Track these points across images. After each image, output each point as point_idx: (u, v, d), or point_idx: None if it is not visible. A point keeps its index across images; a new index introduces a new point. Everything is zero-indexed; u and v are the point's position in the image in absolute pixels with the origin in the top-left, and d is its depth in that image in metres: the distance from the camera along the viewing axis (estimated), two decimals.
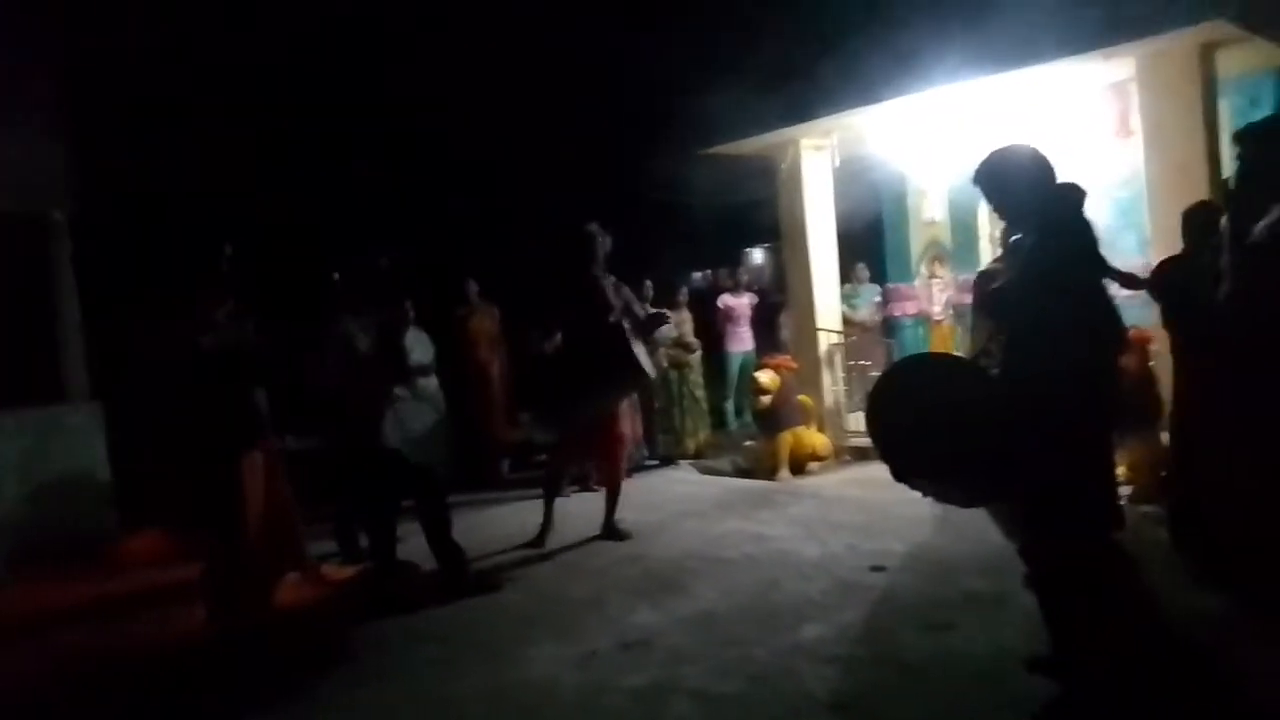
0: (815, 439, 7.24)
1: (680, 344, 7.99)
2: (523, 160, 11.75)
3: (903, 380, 3.25)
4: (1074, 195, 3.11)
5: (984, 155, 2.99)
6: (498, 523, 6.07)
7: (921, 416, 3.01)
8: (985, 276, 5.56)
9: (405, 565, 4.88)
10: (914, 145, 7.63)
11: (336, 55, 10.03)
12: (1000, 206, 3.02)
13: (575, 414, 5.21)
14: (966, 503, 3.94)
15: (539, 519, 5.65)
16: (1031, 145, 2.99)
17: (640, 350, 5.16)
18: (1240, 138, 3.59)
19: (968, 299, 6.37)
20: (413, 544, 4.91)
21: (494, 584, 4.66)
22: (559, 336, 5.15)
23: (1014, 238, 3.21)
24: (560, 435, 5.50)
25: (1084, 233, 2.91)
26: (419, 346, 6.83)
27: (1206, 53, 5.58)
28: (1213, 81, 5.65)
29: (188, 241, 4.19)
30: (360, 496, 4.55)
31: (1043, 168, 2.93)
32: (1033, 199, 2.90)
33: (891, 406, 3.16)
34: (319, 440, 4.71)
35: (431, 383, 6.92)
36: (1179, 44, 5.52)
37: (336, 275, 5.05)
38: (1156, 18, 5.27)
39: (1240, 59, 5.92)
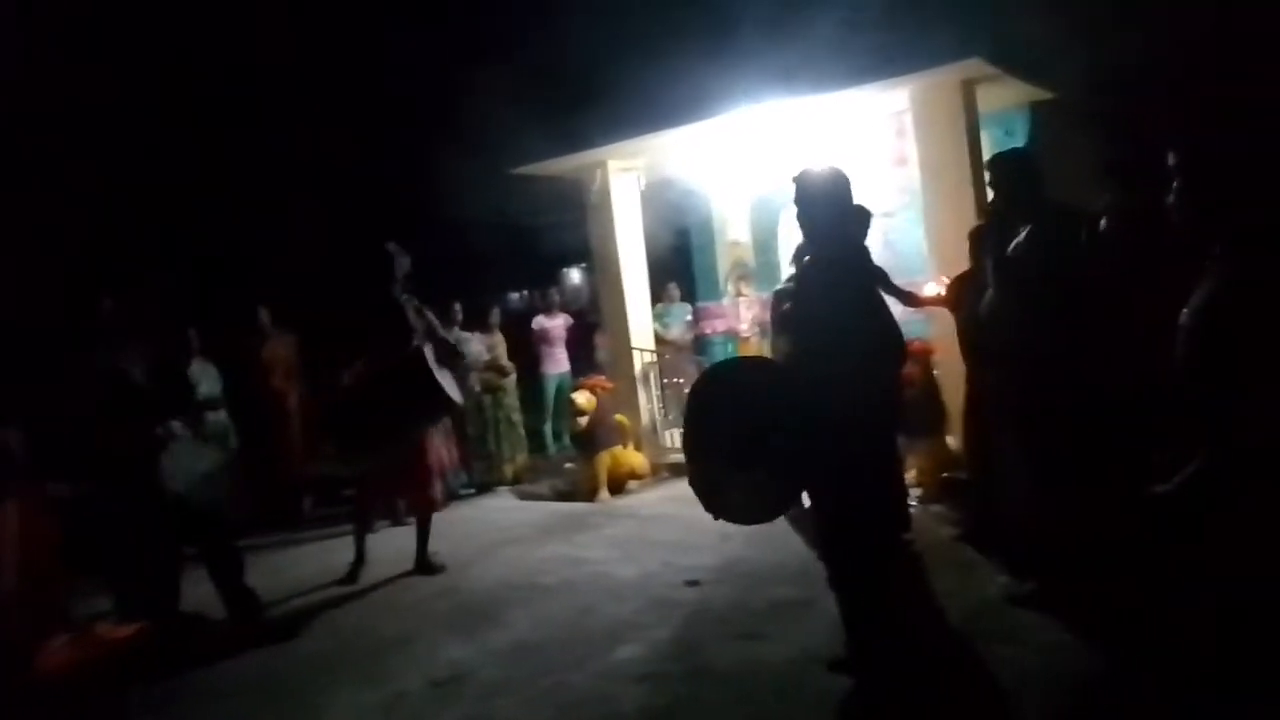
0: (633, 458, 7.30)
1: (494, 367, 7.86)
2: (324, 181, 11.28)
3: (713, 385, 3.33)
4: (862, 217, 3.31)
5: (800, 174, 3.11)
6: (301, 563, 5.70)
7: (725, 436, 3.09)
8: (780, 295, 5.83)
9: (191, 617, 4.46)
10: (717, 167, 7.91)
11: (114, 54, 9.25)
12: (809, 224, 3.14)
13: (379, 445, 4.97)
14: (768, 513, 4.07)
15: (346, 557, 5.35)
16: (837, 167, 3.14)
17: (445, 376, 5.00)
18: (991, 165, 3.94)
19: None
20: (200, 592, 4.51)
21: (293, 629, 4.35)
22: (359, 364, 4.91)
23: (805, 256, 3.35)
24: (365, 468, 5.23)
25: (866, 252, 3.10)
26: (205, 378, 6.36)
27: (968, 88, 6.12)
28: (974, 115, 6.20)
29: None
30: (135, 545, 4.11)
31: (847, 189, 3.09)
32: (838, 218, 3.05)
33: (700, 434, 3.23)
34: (85, 485, 4.22)
35: (220, 417, 6.46)
36: (944, 79, 6.02)
37: (106, 301, 4.58)
38: (924, 54, 5.73)
39: (997, 95, 6.54)
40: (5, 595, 3.47)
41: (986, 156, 6.10)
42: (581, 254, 12.13)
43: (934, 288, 5.27)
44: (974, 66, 5.81)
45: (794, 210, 3.20)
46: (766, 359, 4.90)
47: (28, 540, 3.66)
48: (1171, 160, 2.55)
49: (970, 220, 5.60)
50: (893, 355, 3.17)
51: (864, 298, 3.08)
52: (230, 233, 10.92)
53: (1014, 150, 4.80)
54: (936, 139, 6.17)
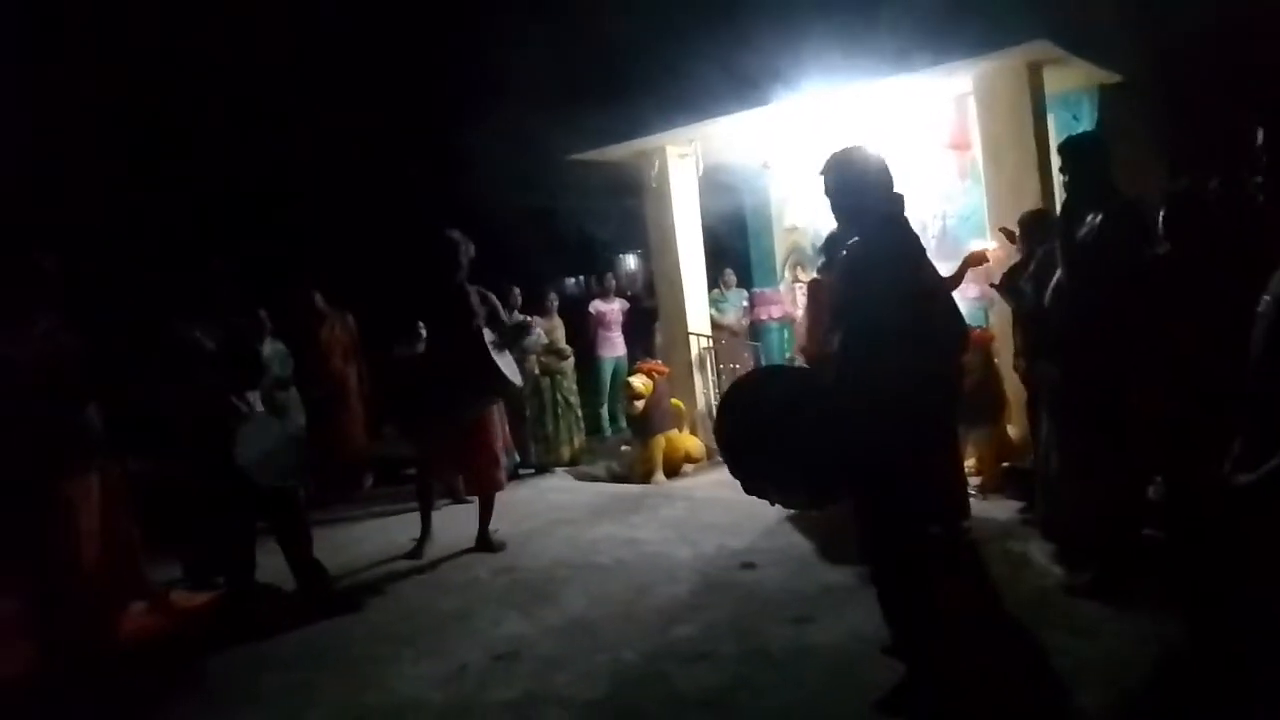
0: (688, 442, 7.34)
1: (552, 351, 7.96)
2: (386, 167, 11.48)
3: (740, 398, 3.33)
4: (906, 223, 3.24)
5: (827, 160, 3.10)
6: (364, 539, 5.88)
7: (761, 432, 3.10)
8: (817, 283, 5.77)
9: (265, 588, 4.65)
10: (775, 152, 7.87)
11: (171, 55, 9.54)
12: (838, 204, 3.12)
13: (437, 424, 5.10)
14: (812, 506, 4.10)
15: (407, 534, 5.52)
16: (874, 150, 3.11)
17: (505, 359, 5.10)
18: (1061, 150, 3.87)
19: None
20: (272, 564, 4.69)
21: (355, 603, 4.50)
22: (421, 344, 5.03)
23: (848, 241, 3.31)
24: (425, 447, 5.37)
25: (910, 239, 3.05)
26: (277, 358, 6.57)
27: (1034, 71, 5.99)
28: (1040, 97, 6.07)
29: None
30: (209, 517, 4.29)
31: (882, 172, 3.05)
32: (869, 200, 3.02)
33: (734, 425, 3.25)
34: (163, 459, 4.41)
35: (291, 396, 6.67)
36: (1010, 62, 5.90)
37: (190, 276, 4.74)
38: (989, 36, 5.62)
39: (1063, 77, 6.38)
40: (89, 564, 3.64)
41: (1053, 140, 6.00)
42: (638, 240, 12.18)
43: (980, 244, 5.19)
44: (1040, 48, 5.69)
45: (826, 199, 3.17)
46: (799, 369, 4.89)
47: (108, 511, 3.82)
48: (1260, 139, 2.49)
49: (1034, 205, 5.50)
50: (952, 345, 3.14)
51: (915, 281, 3.03)
52: (296, 219, 11.20)
53: (1085, 134, 4.71)
54: (1001, 122, 6.06)
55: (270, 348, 6.51)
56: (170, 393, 4.02)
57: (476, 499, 5.49)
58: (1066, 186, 3.85)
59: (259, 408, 4.54)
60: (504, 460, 5.65)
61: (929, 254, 3.18)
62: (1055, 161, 4.06)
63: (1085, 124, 6.68)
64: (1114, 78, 6.61)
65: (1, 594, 3.79)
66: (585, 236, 12.09)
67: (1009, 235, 5.02)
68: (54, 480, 3.50)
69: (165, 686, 3.73)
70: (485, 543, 5.32)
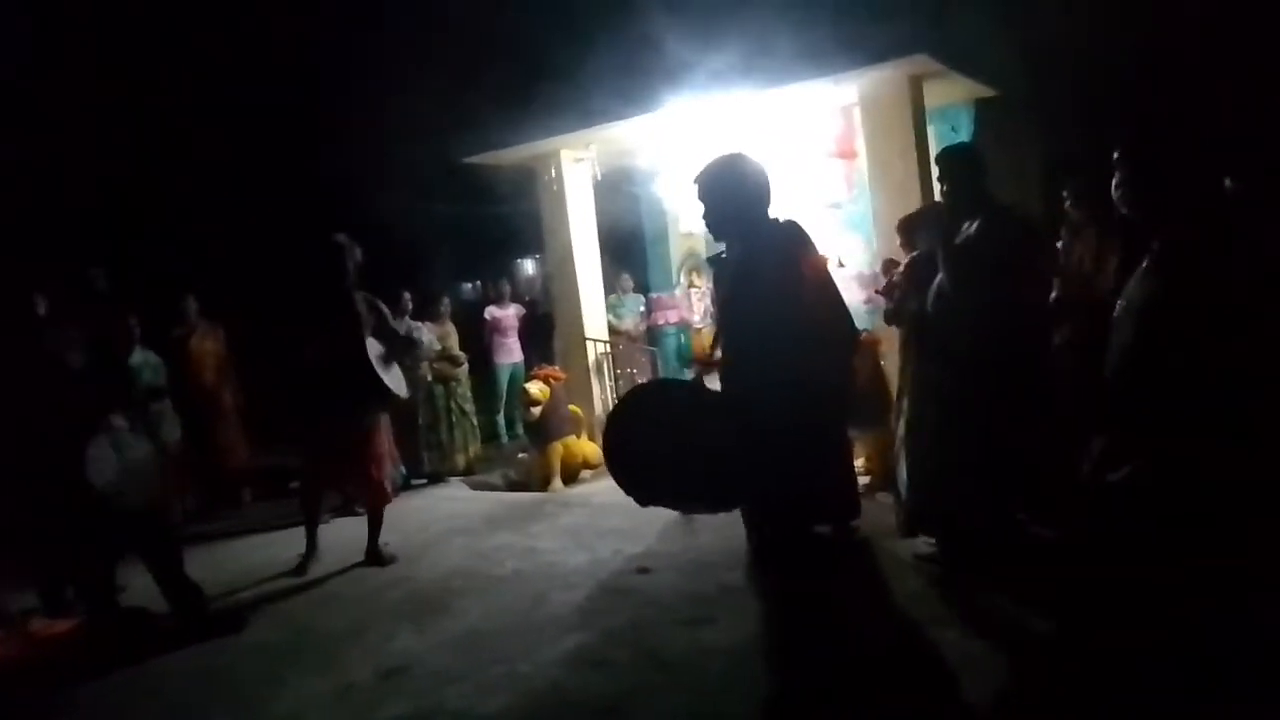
0: (586, 448, 7.30)
1: (446, 357, 7.80)
2: (271, 171, 11.07)
3: (626, 418, 3.34)
4: (792, 229, 3.29)
5: (705, 163, 3.12)
6: (245, 555, 5.62)
7: (649, 449, 3.11)
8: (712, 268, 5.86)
9: (132, 611, 4.37)
10: (670, 158, 7.93)
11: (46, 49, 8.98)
12: (713, 213, 3.14)
13: (322, 437, 4.93)
14: (709, 511, 4.14)
15: (291, 549, 5.30)
16: (747, 159, 3.14)
17: (390, 371, 4.96)
18: (939, 160, 4.03)
19: None
20: (144, 585, 4.42)
21: (236, 623, 4.29)
22: (305, 353, 4.85)
23: (720, 253, 3.35)
24: (308, 459, 5.16)
25: (791, 245, 3.09)
26: (148, 368, 6.22)
27: (916, 83, 6.24)
28: (921, 110, 6.32)
29: None
30: (63, 540, 4.00)
31: (760, 179, 3.09)
32: (747, 208, 3.05)
33: (621, 446, 3.25)
34: (11, 478, 4.08)
35: (165, 407, 6.33)
36: (893, 74, 6.13)
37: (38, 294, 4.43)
38: (872, 49, 5.82)
39: (943, 91, 6.67)
40: None
41: (933, 151, 6.25)
42: (534, 244, 12.10)
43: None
44: (921, 62, 5.92)
45: (701, 210, 3.19)
46: (683, 381, 4.97)
47: None
48: (1115, 155, 2.64)
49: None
50: (841, 344, 3.21)
51: (800, 286, 3.08)
52: (168, 224, 10.68)
53: (961, 145, 4.92)
54: (884, 132, 6.29)
55: (140, 356, 6.17)
56: (30, 408, 3.73)
57: (366, 511, 5.31)
58: (944, 195, 4.01)
59: (121, 422, 4.26)
60: (391, 472, 5.48)
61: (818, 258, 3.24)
62: (935, 171, 4.22)
63: (963, 136, 7.00)
64: (990, 92, 6.95)
65: None
66: (481, 241, 11.95)
67: (889, 268, 5.20)
68: None
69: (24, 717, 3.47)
70: (375, 557, 5.15)
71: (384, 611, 4.36)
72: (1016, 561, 3.80)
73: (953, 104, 7.07)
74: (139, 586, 4.41)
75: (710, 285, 5.18)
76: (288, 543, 5.49)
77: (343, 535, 5.51)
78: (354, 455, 5.02)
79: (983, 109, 7.15)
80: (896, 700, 3.02)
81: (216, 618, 4.32)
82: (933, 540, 4.13)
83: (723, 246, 5.90)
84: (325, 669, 3.71)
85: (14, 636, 4.27)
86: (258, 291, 7.08)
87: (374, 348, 4.91)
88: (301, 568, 5.07)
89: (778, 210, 3.11)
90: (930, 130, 6.52)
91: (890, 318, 5.11)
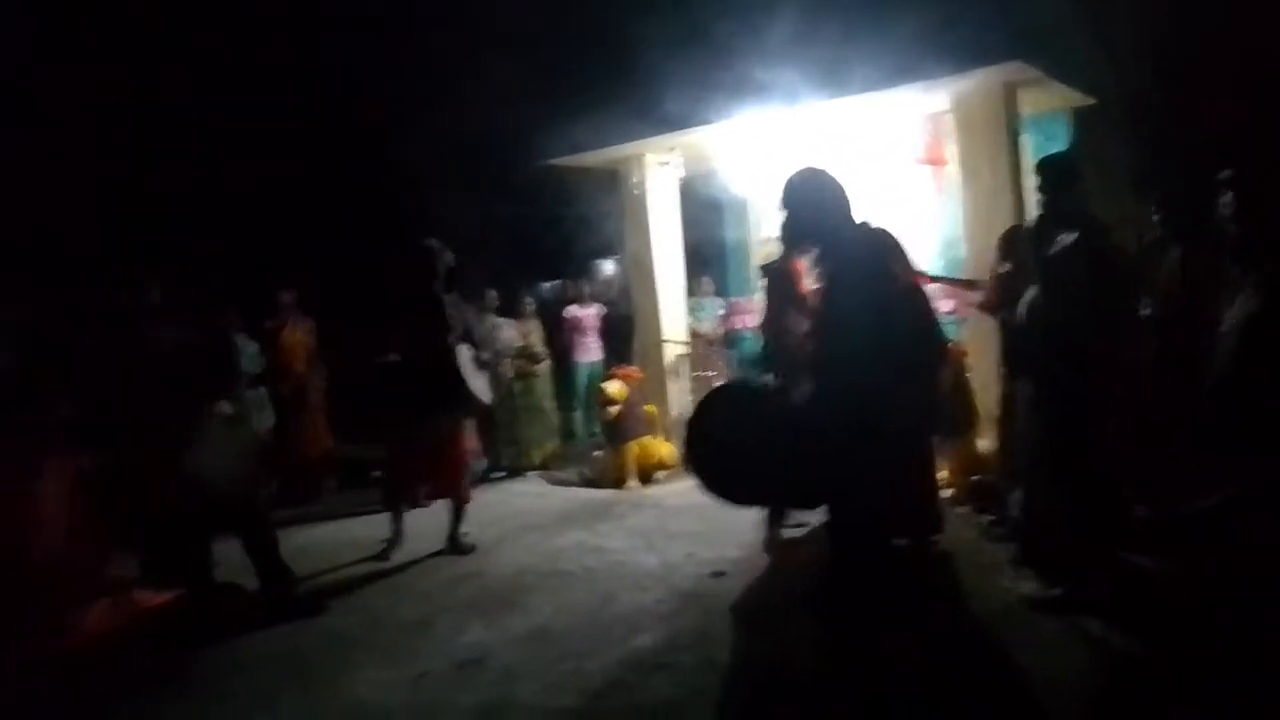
0: (661, 448, 7.34)
1: (526, 354, 7.92)
2: (365, 169, 11.41)
3: (709, 418, 3.36)
4: (881, 238, 3.24)
5: (788, 175, 3.12)
6: (326, 541, 5.82)
7: (732, 445, 3.12)
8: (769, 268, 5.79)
9: (227, 588, 4.59)
10: (754, 163, 7.90)
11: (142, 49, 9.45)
12: (797, 224, 3.13)
13: (407, 435, 5.07)
14: (790, 507, 4.12)
15: (370, 536, 5.49)
16: (827, 172, 3.13)
17: (477, 378, 5.08)
18: (1040, 169, 3.94)
19: None
20: (238, 563, 4.62)
21: (320, 606, 4.46)
22: (393, 354, 5.00)
23: (772, 262, 3.31)
24: (392, 454, 5.33)
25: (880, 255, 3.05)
26: (247, 356, 6.50)
27: (1010, 91, 6.07)
28: (1015, 118, 6.15)
29: None
30: (168, 516, 4.22)
31: (839, 192, 3.07)
32: (829, 220, 3.03)
33: (703, 445, 3.26)
34: (124, 454, 4.31)
35: (260, 394, 6.61)
36: (987, 81, 5.98)
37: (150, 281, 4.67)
38: (967, 56, 5.69)
39: (1039, 99, 6.47)
40: (48, 556, 3.56)
41: (1025, 160, 6.08)
42: (613, 245, 12.18)
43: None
44: (1016, 69, 5.77)
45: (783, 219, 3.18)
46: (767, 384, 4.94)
47: (70, 503, 3.74)
48: (1225, 175, 2.54)
49: (1008, 223, 5.56)
50: (930, 354, 3.16)
51: (888, 294, 3.05)
52: (266, 218, 11.09)
53: (1063, 155, 4.78)
54: (977, 140, 6.14)
55: (241, 344, 6.44)
56: (140, 391, 3.94)
57: (441, 501, 5.44)
58: (1042, 205, 3.90)
59: (227, 408, 4.48)
60: (474, 467, 5.62)
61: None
62: (1030, 180, 4.12)
63: (1059, 145, 6.77)
64: (1086, 101, 6.71)
65: None
66: (563, 241, 12.09)
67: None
68: (17, 470, 3.43)
69: (124, 685, 3.66)
70: (456, 545, 5.29)
71: (456, 604, 4.47)
72: (1107, 585, 3.67)
73: (1048, 112, 6.85)
74: (235, 564, 4.61)
75: (764, 295, 5.20)
76: (368, 529, 5.68)
77: (421, 525, 5.65)
78: (437, 454, 5.16)
79: (1079, 118, 6.91)
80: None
81: (303, 600, 4.49)
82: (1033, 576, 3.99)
83: (776, 255, 5.90)
84: (398, 658, 3.82)
85: (119, 605, 4.50)
86: (347, 289, 7.31)
87: (464, 354, 5.03)
88: (384, 554, 5.25)
89: (867, 218, 3.08)
90: (1024, 139, 6.34)
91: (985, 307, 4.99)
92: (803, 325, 5.24)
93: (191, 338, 4.34)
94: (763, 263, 5.70)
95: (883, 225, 3.24)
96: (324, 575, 5.05)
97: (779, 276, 5.58)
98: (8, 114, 7.83)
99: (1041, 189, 3.87)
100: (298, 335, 7.31)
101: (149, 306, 4.42)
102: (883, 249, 3.12)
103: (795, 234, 3.13)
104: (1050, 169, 3.90)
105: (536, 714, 3.23)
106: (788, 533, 5.17)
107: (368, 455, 6.71)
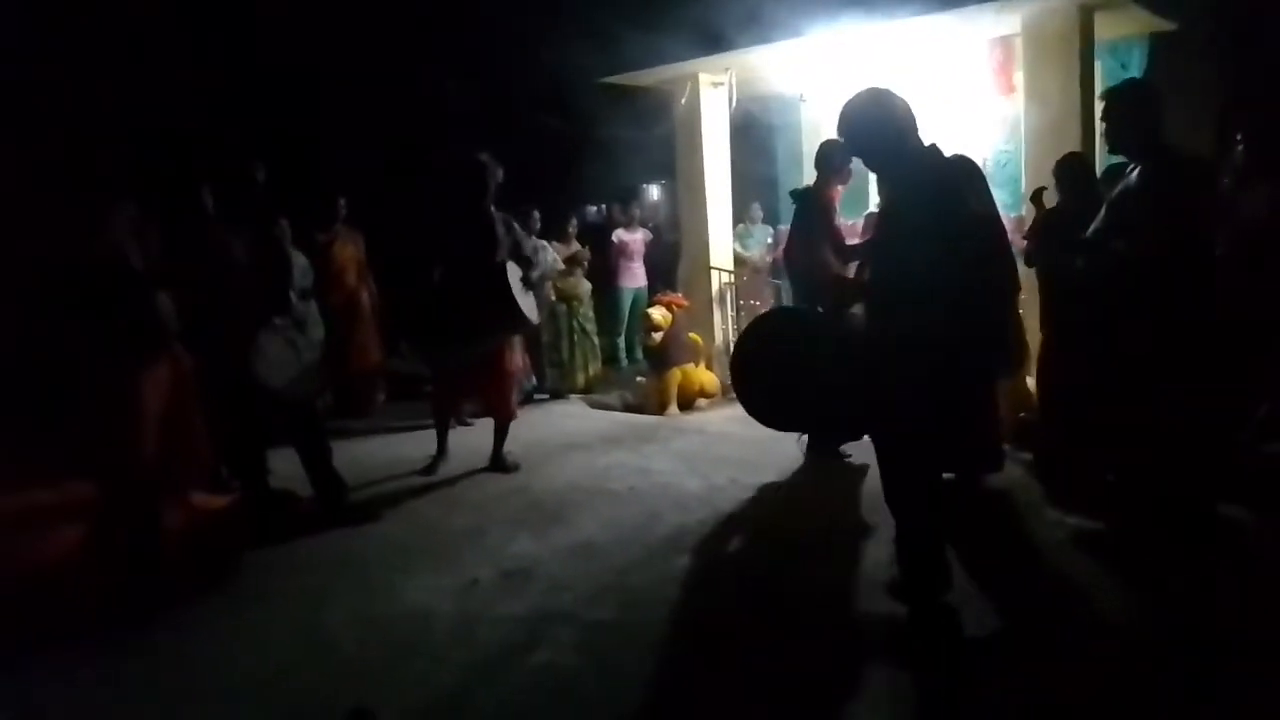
0: (704, 376, 7.35)
1: (571, 260, 7.92)
2: (409, 86, 11.30)
3: (757, 342, 3.32)
4: (955, 163, 3.13)
5: (849, 98, 3.02)
6: (377, 453, 5.96)
7: (780, 378, 3.10)
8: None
9: (281, 494, 4.73)
10: (809, 87, 7.69)
11: None
12: (859, 149, 3.04)
13: (454, 349, 5.11)
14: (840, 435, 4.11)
15: (420, 450, 5.59)
16: (892, 93, 3.02)
17: (526, 297, 5.08)
18: (1106, 96, 3.74)
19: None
20: (289, 471, 4.76)
21: (372, 514, 4.59)
22: (441, 268, 5.02)
23: (803, 187, 3.22)
24: (440, 369, 5.39)
25: (948, 180, 2.95)
26: (299, 269, 6.55)
27: (1086, 13, 5.79)
28: (1090, 42, 5.88)
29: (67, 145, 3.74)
30: (229, 424, 4.33)
31: (906, 114, 2.96)
32: (893, 143, 2.94)
33: (750, 371, 3.24)
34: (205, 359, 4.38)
35: (311, 308, 6.67)
36: (1060, 2, 5.71)
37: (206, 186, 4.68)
38: None
39: (1115, 23, 6.17)
40: (154, 450, 3.64)
41: (1099, 88, 5.83)
42: (660, 170, 12.01)
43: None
44: None
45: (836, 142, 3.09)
46: (818, 311, 4.88)
47: (174, 400, 3.81)
48: None
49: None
50: (1000, 289, 3.09)
51: (954, 225, 2.95)
52: (312, 132, 11.07)
53: (1133, 81, 4.56)
54: (1047, 66, 5.89)
55: (294, 258, 6.49)
56: (203, 300, 3.99)
57: (484, 419, 5.52)
58: (1106, 135, 3.74)
59: (284, 319, 4.55)
60: (522, 385, 5.66)
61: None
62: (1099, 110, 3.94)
63: (1134, 73, 6.49)
64: (1167, 25, 6.39)
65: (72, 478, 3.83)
66: (609, 164, 11.96)
67: (1037, 197, 4.93)
68: (130, 366, 3.52)
69: (184, 583, 3.82)
70: (500, 463, 5.38)
71: (504, 516, 4.57)
72: (1151, 521, 3.65)
73: (1125, 37, 6.54)
74: (286, 472, 4.75)
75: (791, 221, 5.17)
76: (417, 443, 5.79)
77: (469, 441, 5.76)
78: (484, 371, 5.21)
79: (1158, 44, 6.59)
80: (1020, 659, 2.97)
81: (355, 508, 4.62)
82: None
83: (805, 181, 5.77)
84: (449, 565, 3.93)
85: (177, 509, 4.66)
86: (395, 203, 7.29)
87: (513, 271, 5.03)
88: (430, 468, 5.36)
89: (944, 147, 2.98)
90: (1098, 66, 6.07)
91: (1029, 260, 4.88)
92: (827, 254, 5.25)
93: (253, 247, 4.38)
94: (793, 188, 5.60)
95: (961, 153, 3.15)
96: (375, 486, 5.18)
97: (807, 203, 5.52)
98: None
99: (1105, 117, 3.68)
100: (348, 249, 7.34)
101: (208, 212, 4.45)
102: (954, 173, 3.03)
103: (851, 156, 3.04)
104: (1117, 97, 3.68)
105: (581, 624, 3.32)
106: (829, 459, 5.20)
107: (417, 370, 6.80)
